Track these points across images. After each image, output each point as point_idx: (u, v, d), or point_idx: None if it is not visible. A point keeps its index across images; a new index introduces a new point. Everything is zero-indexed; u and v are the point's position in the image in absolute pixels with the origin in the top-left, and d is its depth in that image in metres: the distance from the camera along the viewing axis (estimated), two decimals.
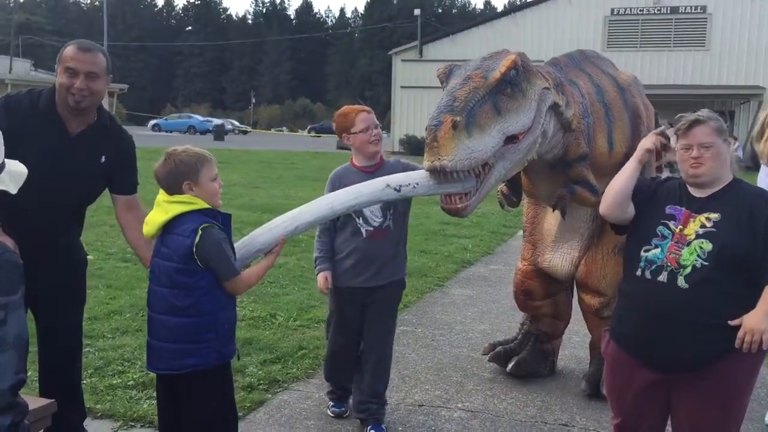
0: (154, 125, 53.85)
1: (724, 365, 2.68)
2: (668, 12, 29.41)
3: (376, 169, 3.63)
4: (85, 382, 4.20)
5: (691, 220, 2.74)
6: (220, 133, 40.25)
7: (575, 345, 5.21)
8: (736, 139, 19.56)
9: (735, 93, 28.73)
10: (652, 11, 29.55)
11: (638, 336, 2.81)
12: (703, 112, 2.83)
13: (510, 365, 4.53)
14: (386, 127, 31.29)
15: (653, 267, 2.75)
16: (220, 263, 2.76)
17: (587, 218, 4.14)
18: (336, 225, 3.69)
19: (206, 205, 2.83)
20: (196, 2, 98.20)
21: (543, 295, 4.46)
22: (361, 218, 3.62)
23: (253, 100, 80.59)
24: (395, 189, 2.99)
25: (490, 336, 5.44)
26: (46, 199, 2.97)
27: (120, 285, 6.51)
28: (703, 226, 2.71)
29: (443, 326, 5.73)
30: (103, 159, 3.15)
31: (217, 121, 50.98)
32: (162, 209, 2.81)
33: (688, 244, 2.70)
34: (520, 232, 10.82)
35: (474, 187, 2.97)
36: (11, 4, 73.27)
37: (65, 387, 3.26)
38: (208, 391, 2.85)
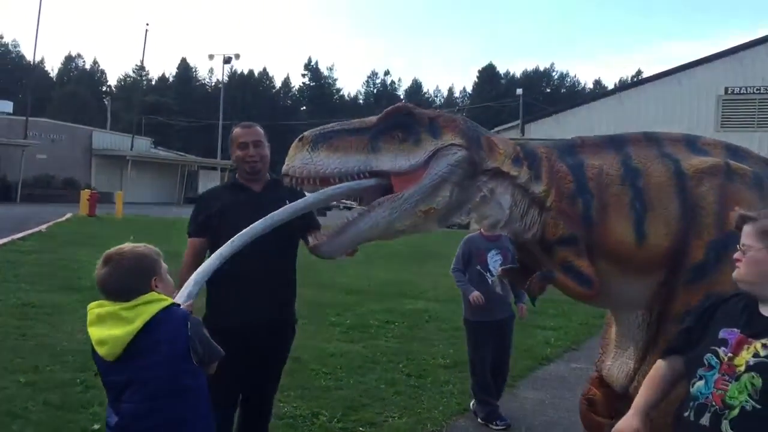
0: None
1: None
2: None
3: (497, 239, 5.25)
4: None
5: (745, 346, 2.20)
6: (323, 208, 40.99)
7: None
8: None
9: None
10: None
11: None
12: None
13: None
14: None
15: (696, 405, 2.24)
16: (210, 350, 2.53)
17: (639, 324, 3.58)
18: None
19: (171, 300, 2.57)
20: (311, 84, 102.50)
21: (606, 412, 3.83)
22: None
23: None
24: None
25: None
26: (259, 249, 3.17)
27: None
28: (756, 354, 2.15)
29: None
30: (287, 203, 3.55)
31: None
32: (121, 320, 2.43)
33: (737, 378, 2.16)
34: None
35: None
36: (144, 86, 79.17)
37: None
38: None
